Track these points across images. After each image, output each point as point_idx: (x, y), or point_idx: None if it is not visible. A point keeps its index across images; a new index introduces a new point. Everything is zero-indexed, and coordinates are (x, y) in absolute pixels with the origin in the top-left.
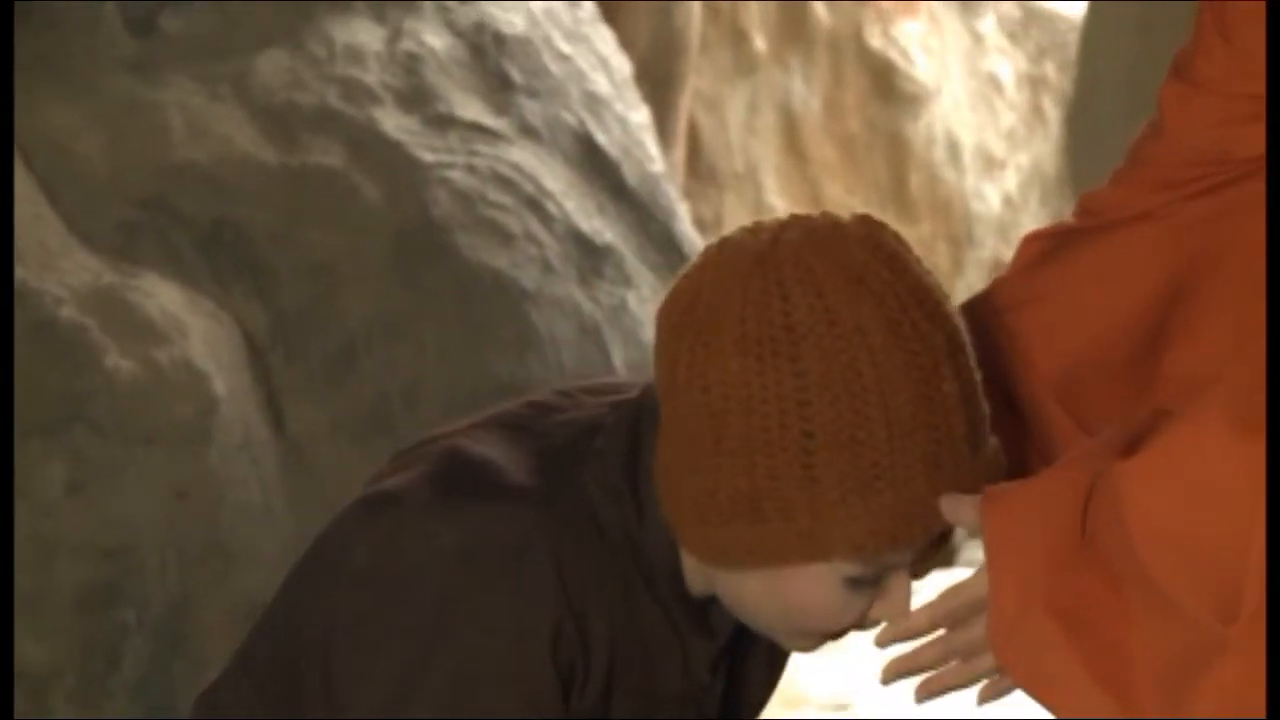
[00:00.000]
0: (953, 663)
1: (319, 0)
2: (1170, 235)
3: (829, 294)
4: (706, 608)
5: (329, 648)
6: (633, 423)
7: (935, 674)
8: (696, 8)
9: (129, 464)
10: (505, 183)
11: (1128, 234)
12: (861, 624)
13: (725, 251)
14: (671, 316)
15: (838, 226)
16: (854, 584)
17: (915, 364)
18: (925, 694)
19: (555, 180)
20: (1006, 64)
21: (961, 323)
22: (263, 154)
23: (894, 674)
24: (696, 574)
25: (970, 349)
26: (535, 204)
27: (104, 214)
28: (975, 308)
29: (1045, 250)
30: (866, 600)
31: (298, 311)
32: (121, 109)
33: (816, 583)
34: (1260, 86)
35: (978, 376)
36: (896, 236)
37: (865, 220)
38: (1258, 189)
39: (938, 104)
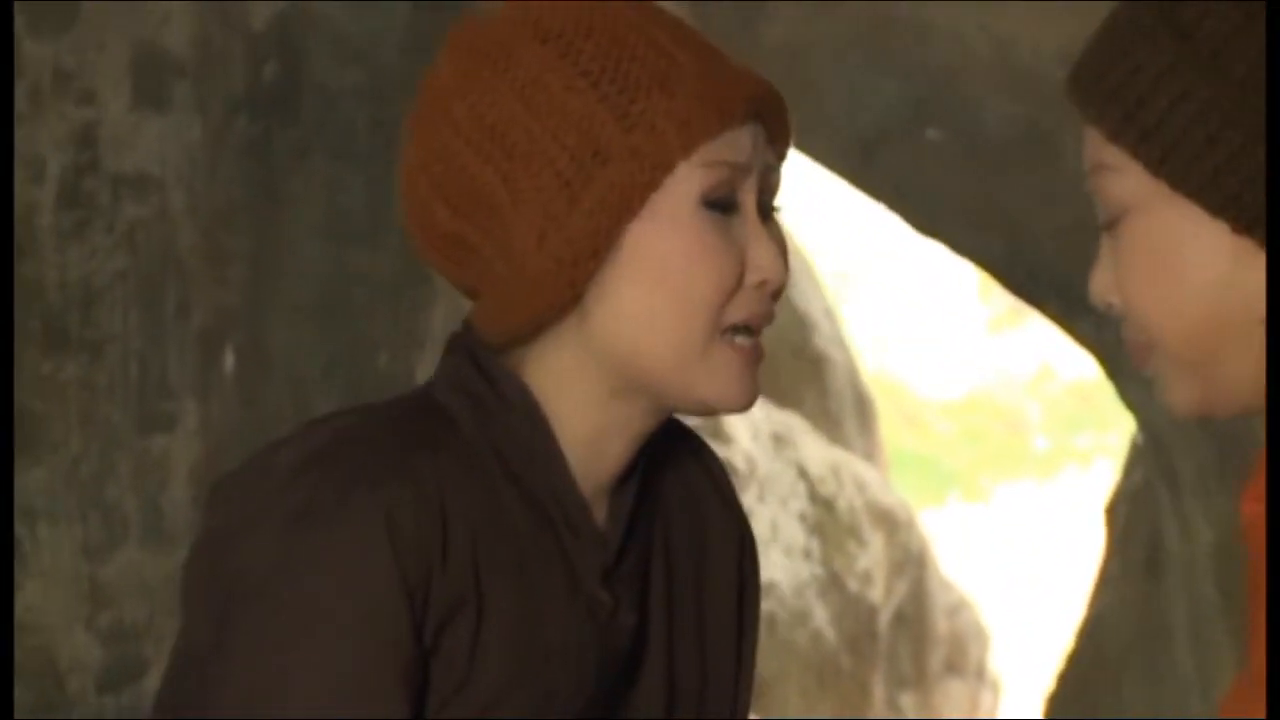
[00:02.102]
0: None
1: None
2: None
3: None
4: (588, 509)
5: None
6: (456, 340)
7: None
8: None
9: None
10: None
11: None
12: (743, 283)
13: None
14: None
15: None
16: (712, 209)
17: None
18: None
19: None
20: None
21: None
22: None
23: None
24: (581, 408)
25: None
26: None
27: None
28: None
29: None
30: (736, 248)
31: None
32: None
33: (676, 224)
34: None
35: None
36: None
37: None
38: None
39: None
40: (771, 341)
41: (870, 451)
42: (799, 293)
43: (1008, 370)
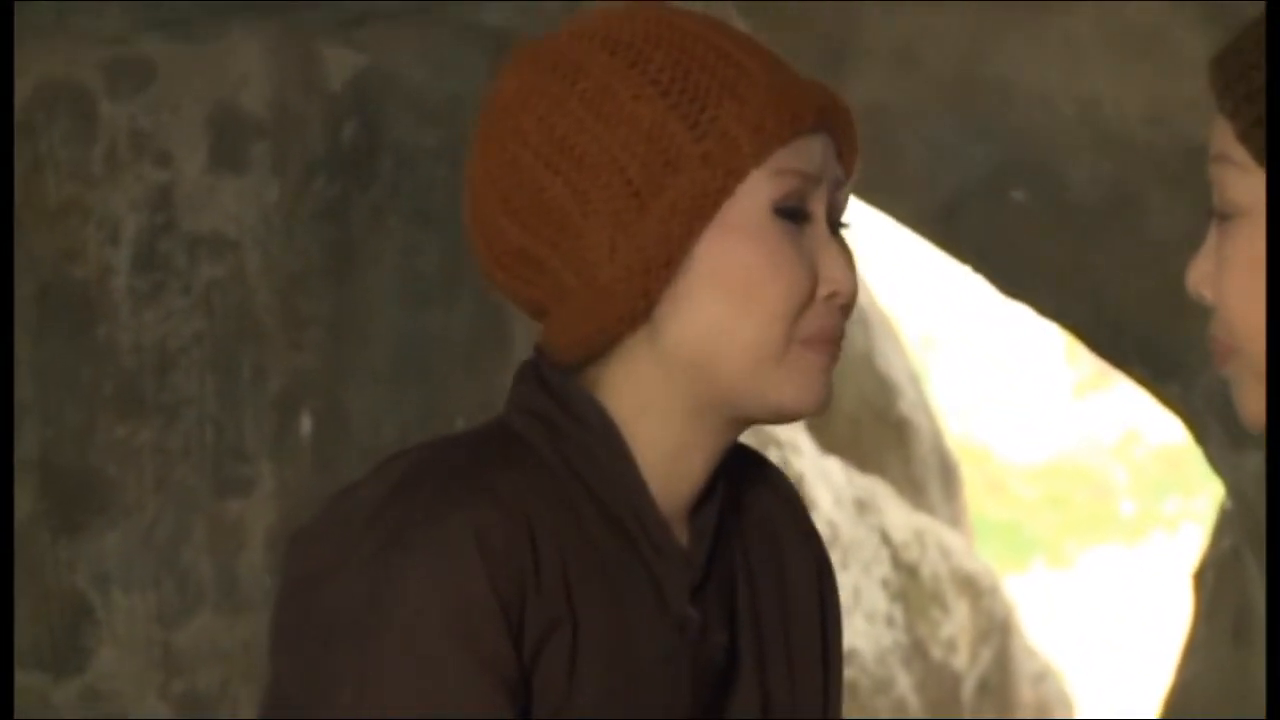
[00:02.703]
0: None
1: None
2: None
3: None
4: (668, 527)
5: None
6: (525, 368)
7: None
8: None
9: None
10: None
11: None
12: (815, 296)
13: None
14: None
15: None
16: (784, 219)
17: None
18: None
19: None
20: None
21: None
22: None
23: None
24: (658, 425)
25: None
26: None
27: None
28: None
29: None
30: (807, 259)
31: None
32: None
33: (748, 233)
34: None
35: None
36: None
37: None
38: None
39: None
40: (855, 405)
41: (955, 517)
42: (882, 357)
43: (1093, 435)
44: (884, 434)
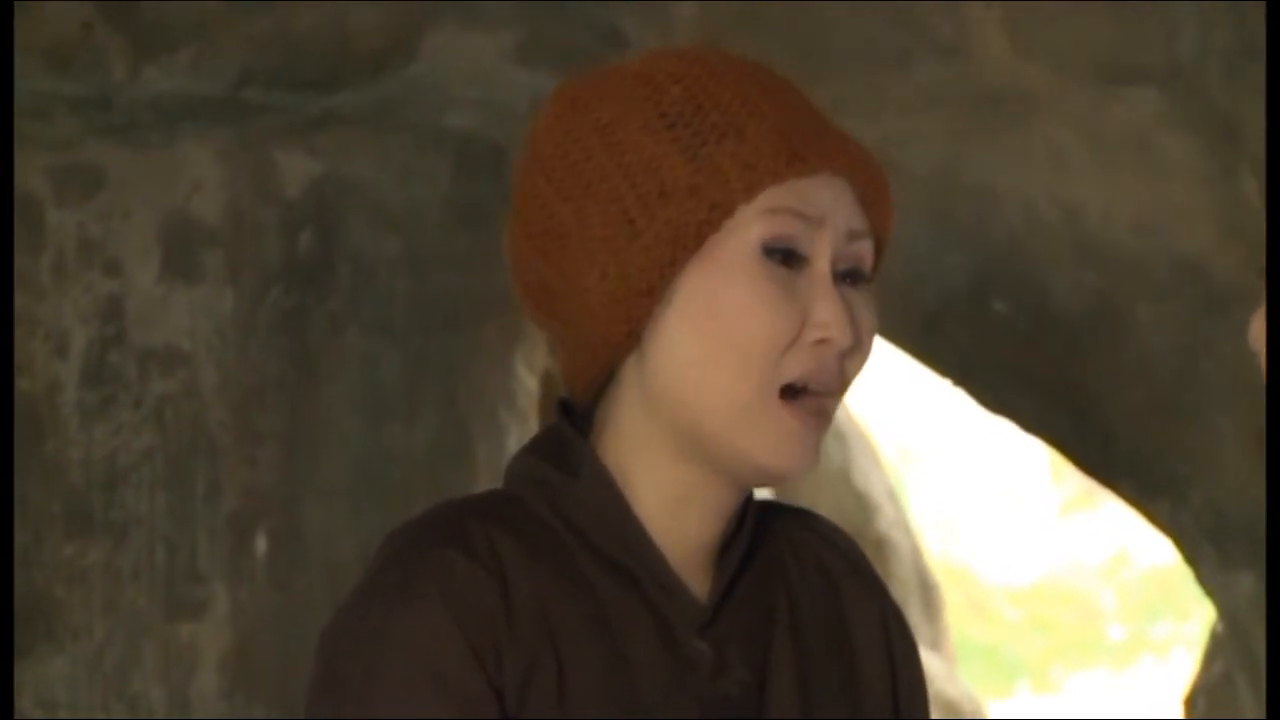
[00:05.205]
0: None
1: None
2: None
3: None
4: (666, 563)
5: None
6: (542, 435)
7: None
8: None
9: None
10: None
11: None
12: (805, 337)
13: None
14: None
15: None
16: (772, 258)
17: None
18: None
19: None
20: None
21: None
22: None
23: None
24: (652, 472)
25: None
26: None
27: None
28: None
29: None
30: (797, 303)
31: None
32: None
33: (732, 269)
34: None
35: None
36: None
37: None
38: None
39: None
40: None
41: (935, 639)
42: (860, 472)
43: (1080, 555)
44: None
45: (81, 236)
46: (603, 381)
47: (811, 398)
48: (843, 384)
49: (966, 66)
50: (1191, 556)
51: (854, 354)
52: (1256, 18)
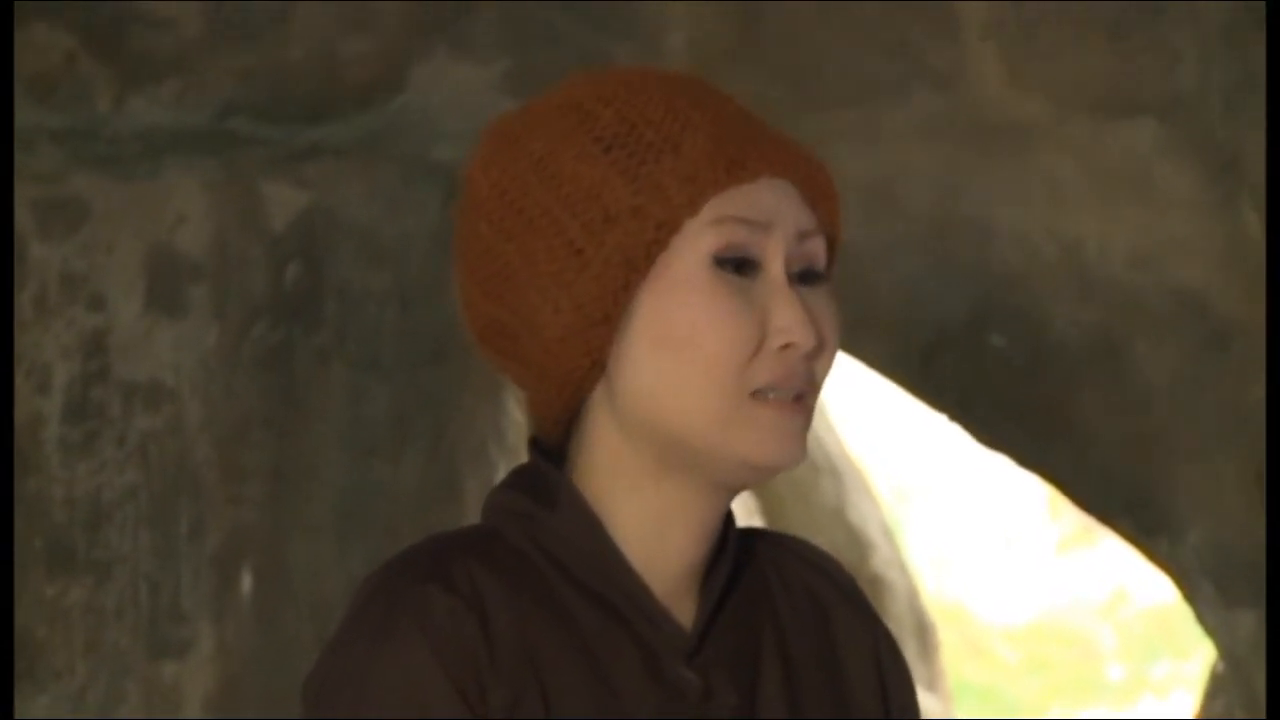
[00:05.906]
0: None
1: None
2: None
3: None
4: (649, 592)
5: None
6: (518, 470)
7: None
8: None
9: None
10: None
11: None
12: (769, 344)
13: None
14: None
15: None
16: (724, 269)
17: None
18: None
19: None
20: None
21: None
22: None
23: None
24: (632, 495)
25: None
26: None
27: None
28: None
29: None
30: (756, 311)
31: None
32: None
33: (686, 285)
34: None
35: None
36: None
37: None
38: None
39: None
40: None
41: (931, 680)
42: (854, 509)
43: (1078, 594)
44: None
45: (64, 270)
46: (571, 414)
47: (783, 400)
48: (813, 385)
49: (964, 98)
50: (1191, 595)
51: (820, 354)
52: (1256, 49)
